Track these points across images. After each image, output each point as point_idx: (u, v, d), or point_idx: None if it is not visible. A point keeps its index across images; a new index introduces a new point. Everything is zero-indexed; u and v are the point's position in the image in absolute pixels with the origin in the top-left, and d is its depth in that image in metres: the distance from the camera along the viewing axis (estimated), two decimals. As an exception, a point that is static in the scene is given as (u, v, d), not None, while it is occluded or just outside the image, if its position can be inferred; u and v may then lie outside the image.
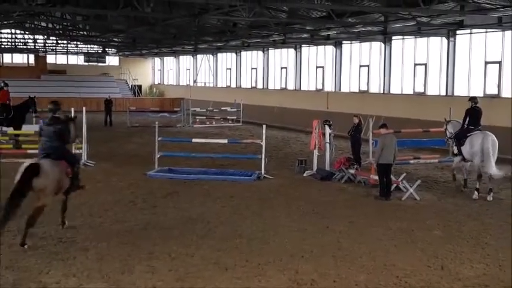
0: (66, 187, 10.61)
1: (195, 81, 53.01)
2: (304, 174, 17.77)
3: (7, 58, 57.12)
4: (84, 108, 19.15)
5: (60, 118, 10.70)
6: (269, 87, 40.99)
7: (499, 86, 23.97)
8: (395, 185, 14.93)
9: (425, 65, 27.83)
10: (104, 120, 34.91)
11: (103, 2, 25.69)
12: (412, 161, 18.15)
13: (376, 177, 15.01)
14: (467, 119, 15.28)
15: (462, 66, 25.78)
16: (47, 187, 9.97)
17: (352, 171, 16.72)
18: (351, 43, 32.66)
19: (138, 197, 14.28)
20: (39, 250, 9.74)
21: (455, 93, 25.68)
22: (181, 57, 56.43)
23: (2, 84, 22.76)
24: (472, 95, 21.73)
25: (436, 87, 27.22)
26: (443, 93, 26.53)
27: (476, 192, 14.71)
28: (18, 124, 21.67)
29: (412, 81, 28.53)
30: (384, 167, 14.49)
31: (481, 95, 24.18)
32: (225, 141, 21.46)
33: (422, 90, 27.96)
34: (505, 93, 23.67)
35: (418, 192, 14.69)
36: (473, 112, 15.26)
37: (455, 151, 15.76)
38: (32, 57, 57.04)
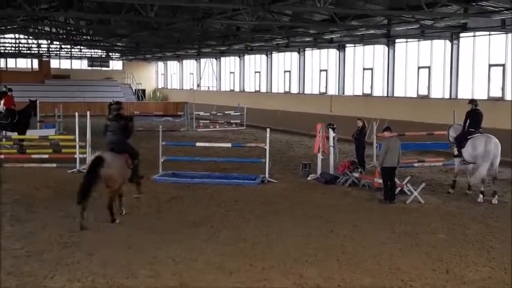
0: (128, 177, 12.30)
1: (198, 85, 53.05)
2: (308, 178, 17.74)
3: (11, 63, 57.27)
4: (88, 112, 19.15)
5: (123, 115, 12.68)
6: (273, 91, 41.00)
7: (503, 89, 23.90)
8: (399, 188, 14.90)
9: (429, 67, 27.81)
10: None
11: (106, 7, 25.72)
12: (416, 164, 18.10)
13: (381, 181, 14.97)
14: (468, 121, 15.27)
15: (466, 69, 25.73)
16: (111, 176, 11.66)
17: (356, 174, 16.69)
18: (354, 46, 32.65)
19: (142, 201, 14.27)
20: (43, 255, 9.74)
21: (459, 96, 25.63)
22: (184, 61, 56.50)
23: (6, 90, 22.81)
24: (476, 97, 21.72)
25: (440, 90, 27.18)
26: (447, 96, 26.49)
27: (481, 195, 14.67)
28: (22, 129, 21.70)
29: (416, 84, 28.50)
30: (388, 170, 14.46)
31: (485, 97, 24.16)
32: (229, 145, 21.46)
33: (426, 93, 27.92)
34: (509, 96, 23.61)
35: (423, 196, 14.66)
36: (473, 115, 15.24)
37: (456, 153, 15.72)
38: (35, 62, 57.21)
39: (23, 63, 57.56)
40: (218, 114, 37.55)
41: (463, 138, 15.29)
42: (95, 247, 10.20)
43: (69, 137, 20.19)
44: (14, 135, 21.59)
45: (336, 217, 12.86)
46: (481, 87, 24.85)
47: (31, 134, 22.21)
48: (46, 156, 19.40)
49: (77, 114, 18.92)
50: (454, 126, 16.26)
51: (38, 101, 23.62)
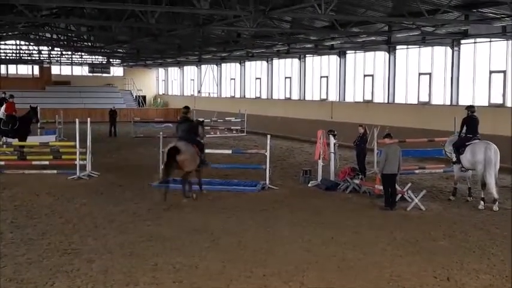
0: (198, 162, 15.02)
1: (199, 92, 53.08)
2: (309, 185, 17.73)
3: (12, 69, 57.34)
4: (88, 119, 19.16)
5: (190, 118, 15.76)
6: (273, 97, 41.03)
7: (503, 95, 23.90)
8: (400, 195, 14.87)
9: (430, 74, 27.81)
10: (108, 131, 35.02)
11: (108, 13, 25.77)
12: (417, 171, 18.07)
13: (381, 188, 14.95)
14: (465, 127, 15.26)
15: (467, 75, 25.74)
16: (186, 159, 14.48)
17: (357, 181, 16.67)
18: (355, 53, 32.68)
19: (143, 208, 14.26)
20: (43, 262, 9.72)
21: (460, 103, 25.59)
22: (185, 67, 56.56)
23: (8, 96, 22.83)
24: (476, 104, 21.72)
25: (440, 97, 27.18)
26: (448, 102, 26.49)
27: (482, 202, 14.65)
28: (23, 135, 21.69)
29: (417, 91, 28.50)
30: (388, 177, 14.44)
31: (486, 104, 24.16)
32: (229, 151, 21.45)
33: (427, 100, 27.92)
34: (510, 103, 23.60)
35: (424, 203, 14.63)
36: (470, 121, 15.26)
37: (454, 159, 15.69)
38: (36, 68, 57.30)
39: (23, 70, 57.64)
40: (219, 120, 37.55)
41: (461, 145, 15.27)
42: (95, 254, 10.17)
43: (69, 144, 20.19)
44: (15, 141, 21.57)
45: (336, 224, 12.83)
46: (482, 94, 24.85)
47: (31, 140, 22.18)
48: (46, 162, 19.39)
49: (77, 120, 18.92)
50: (449, 140, 16.18)
51: (38, 108, 23.61)
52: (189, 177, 15.14)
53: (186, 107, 15.91)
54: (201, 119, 18.53)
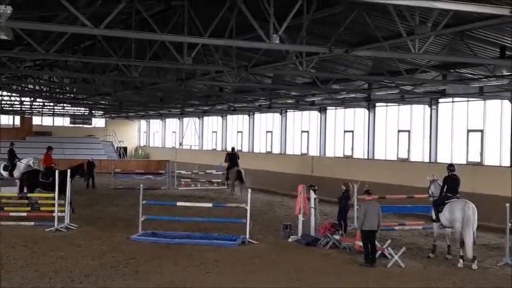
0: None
1: (180, 144, 53.16)
2: (289, 240, 17.66)
3: (-8, 119, 56.97)
4: (68, 170, 19.07)
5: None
6: (254, 151, 41.20)
7: (481, 154, 24.23)
8: (380, 251, 14.87)
9: (409, 131, 28.21)
10: (86, 184, 33.98)
11: (91, 66, 25.97)
12: (397, 227, 18.12)
13: (361, 243, 14.95)
14: (445, 186, 15.46)
15: (445, 133, 26.12)
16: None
17: (337, 236, 16.66)
18: (335, 109, 33.10)
19: (121, 261, 14.08)
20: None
21: (439, 160, 25.92)
22: (167, 119, 56.76)
23: (46, 148, 22.82)
24: (454, 162, 22.01)
25: (419, 154, 27.48)
26: (426, 159, 26.78)
27: (461, 260, 14.69)
28: (62, 189, 21.55)
29: (396, 147, 28.83)
30: (368, 233, 14.48)
31: (464, 162, 24.45)
32: (210, 205, 21.36)
33: (406, 156, 28.23)
34: (488, 161, 23.93)
35: (403, 260, 14.63)
36: (450, 180, 15.47)
37: (434, 217, 15.83)
38: (17, 118, 57.09)
39: (4, 120, 57.33)
40: (200, 173, 37.50)
41: (441, 203, 15.47)
42: (70, 309, 9.99)
43: (48, 195, 19.99)
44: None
45: (316, 280, 12.76)
46: (460, 152, 25.17)
47: (9, 191, 21.94)
48: (24, 214, 19.16)
49: (57, 172, 18.80)
50: (435, 183, 16.34)
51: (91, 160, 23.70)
52: None
53: None
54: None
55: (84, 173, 23.86)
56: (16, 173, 27.23)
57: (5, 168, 27.93)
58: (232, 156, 32.06)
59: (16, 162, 28.02)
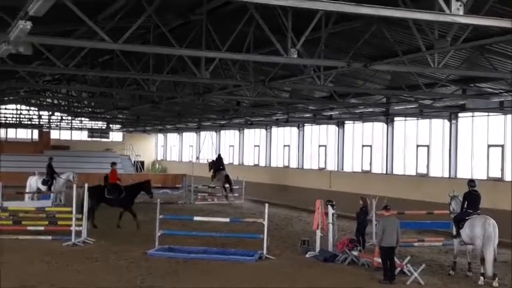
0: None
1: (197, 158, 53.18)
2: (307, 255, 17.48)
3: (11, 133, 57.51)
4: (86, 184, 19.09)
5: None
6: (271, 165, 41.05)
7: (502, 170, 23.89)
8: (399, 268, 14.65)
9: (428, 146, 27.93)
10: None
11: (109, 80, 26.10)
12: (416, 244, 17.87)
13: (380, 260, 14.74)
14: (466, 203, 15.24)
15: (465, 148, 25.80)
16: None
17: (355, 253, 16.45)
18: (353, 123, 32.91)
19: (137, 276, 14.00)
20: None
21: (458, 176, 25.58)
22: (184, 133, 56.89)
23: (110, 163, 23.16)
24: (475, 177, 21.70)
25: (439, 169, 27.17)
26: (446, 175, 26.46)
27: (481, 277, 14.42)
28: (127, 205, 21.70)
29: (415, 162, 28.53)
30: (387, 250, 14.28)
31: (484, 177, 24.11)
32: (227, 219, 21.27)
33: (425, 172, 27.92)
34: (508, 177, 23.57)
35: (423, 276, 14.39)
36: (470, 196, 15.25)
37: (454, 233, 15.60)
38: (36, 132, 57.54)
39: (23, 134, 57.84)
40: (217, 187, 37.41)
41: (461, 219, 15.25)
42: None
43: (66, 209, 20.01)
44: (12, 205, 21.26)
45: (334, 297, 12.57)
46: (480, 167, 24.84)
47: (27, 205, 21.98)
48: (42, 228, 19.17)
49: (74, 186, 18.82)
50: (455, 199, 16.14)
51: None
52: None
53: None
54: None
55: (150, 189, 23.53)
56: (54, 188, 27.38)
57: (44, 183, 28.02)
58: (219, 161, 33.08)
59: (55, 177, 28.15)
